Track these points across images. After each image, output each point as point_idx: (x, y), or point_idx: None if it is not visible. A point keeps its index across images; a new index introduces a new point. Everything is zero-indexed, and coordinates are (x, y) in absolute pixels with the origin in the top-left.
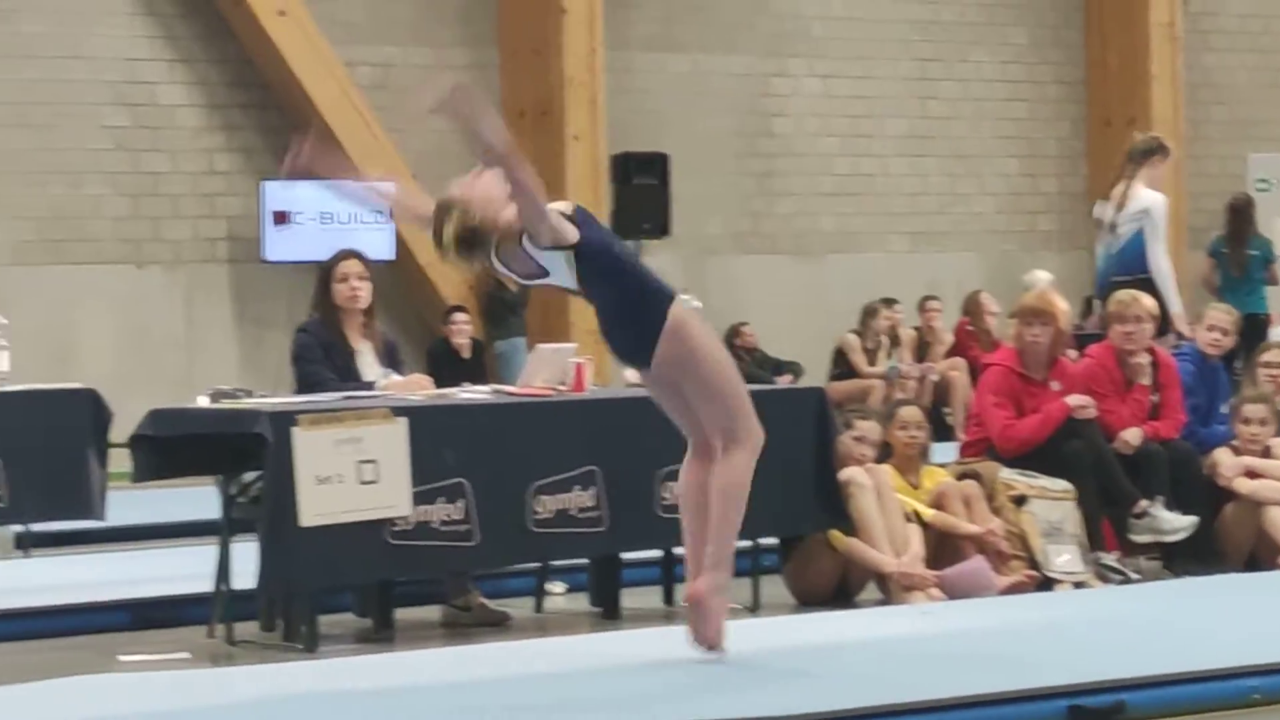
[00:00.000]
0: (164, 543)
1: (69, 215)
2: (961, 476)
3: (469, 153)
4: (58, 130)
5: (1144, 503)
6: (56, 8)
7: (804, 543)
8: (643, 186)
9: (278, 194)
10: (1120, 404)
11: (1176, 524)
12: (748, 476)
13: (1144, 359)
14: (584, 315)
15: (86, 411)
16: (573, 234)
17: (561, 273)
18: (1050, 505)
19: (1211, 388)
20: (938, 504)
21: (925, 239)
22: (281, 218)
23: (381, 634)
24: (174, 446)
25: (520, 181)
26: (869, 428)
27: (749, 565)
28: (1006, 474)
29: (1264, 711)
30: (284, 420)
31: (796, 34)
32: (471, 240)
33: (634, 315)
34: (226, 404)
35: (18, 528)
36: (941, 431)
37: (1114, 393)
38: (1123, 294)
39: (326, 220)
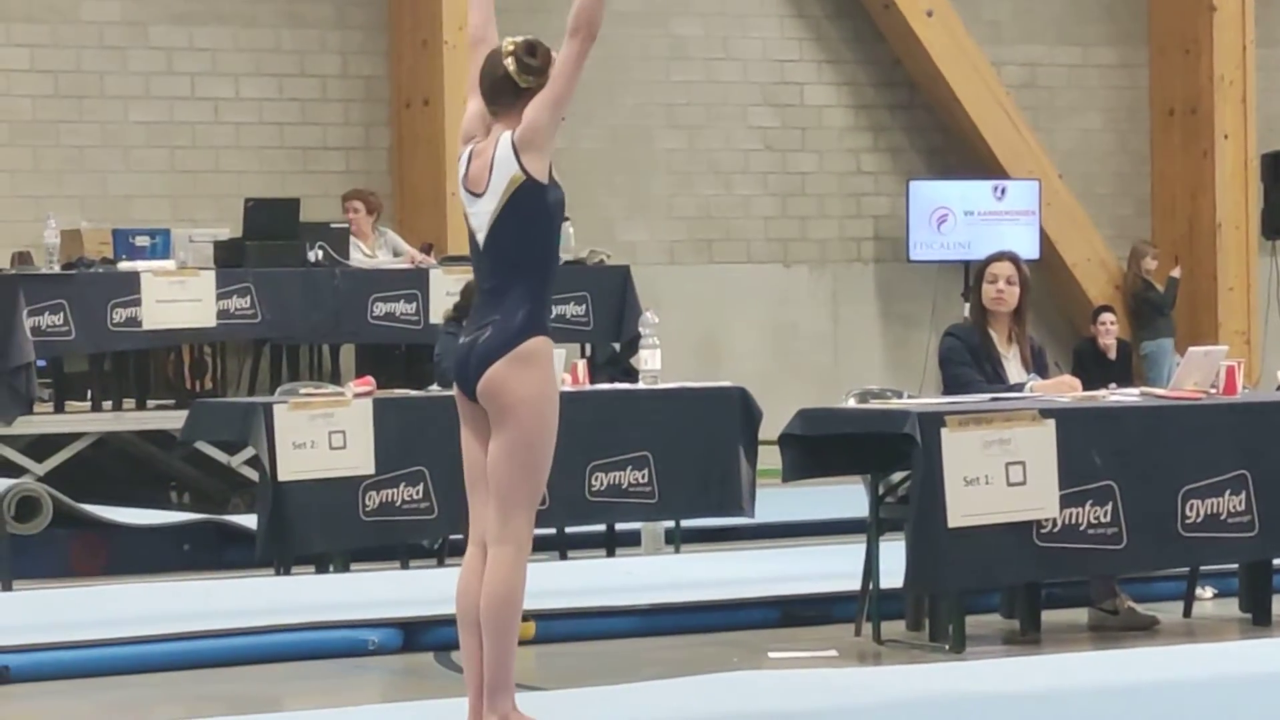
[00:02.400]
0: (811, 540)
1: (718, 215)
2: None
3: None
4: (707, 131)
5: None
6: (708, 10)
7: None
8: None
9: (925, 194)
10: None
11: None
12: (518, 583)
13: None
14: (1233, 315)
15: (736, 410)
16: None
17: (491, 200)
18: None
19: None
20: None
21: None
22: (942, 219)
23: (1028, 636)
24: (822, 446)
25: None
26: None
27: None
28: None
29: None
30: (933, 421)
31: None
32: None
33: (505, 296)
34: (875, 404)
35: (668, 524)
36: None
37: None
38: None
39: (970, 216)
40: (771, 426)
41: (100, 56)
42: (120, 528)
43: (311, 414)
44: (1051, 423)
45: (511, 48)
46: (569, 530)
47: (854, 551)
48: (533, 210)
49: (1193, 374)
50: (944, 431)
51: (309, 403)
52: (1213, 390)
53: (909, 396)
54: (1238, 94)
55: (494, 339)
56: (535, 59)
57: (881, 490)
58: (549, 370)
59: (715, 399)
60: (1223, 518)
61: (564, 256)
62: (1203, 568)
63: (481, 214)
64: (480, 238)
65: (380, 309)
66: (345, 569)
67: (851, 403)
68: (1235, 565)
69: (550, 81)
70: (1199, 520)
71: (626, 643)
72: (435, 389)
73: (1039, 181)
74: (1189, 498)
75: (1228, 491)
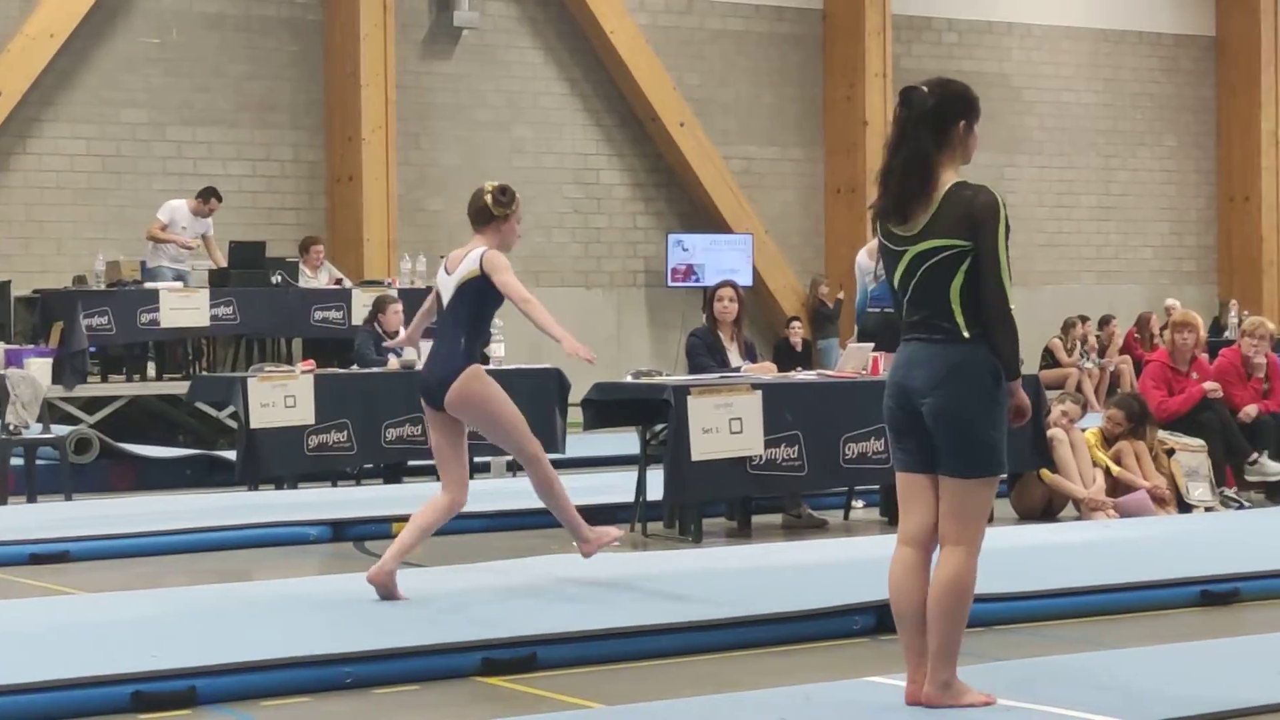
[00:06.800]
0: (603, 469)
1: (543, 255)
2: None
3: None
4: (536, 200)
5: (1255, 455)
6: (537, 120)
7: (1023, 477)
8: None
9: (679, 242)
10: (1244, 389)
11: (1277, 469)
12: (551, 473)
13: (1262, 360)
14: None
15: (554, 383)
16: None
17: (454, 280)
18: (1190, 456)
19: None
20: (1116, 457)
21: (1106, 276)
22: (688, 272)
23: (743, 532)
24: (610, 407)
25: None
26: (1071, 407)
27: None
28: (1161, 434)
29: None
30: (682, 391)
31: (1023, 139)
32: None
33: (456, 339)
34: (644, 380)
35: (509, 457)
36: None
37: (1239, 381)
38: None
39: (707, 256)
40: (577, 393)
41: (133, 146)
42: (145, 459)
43: (273, 384)
44: (759, 393)
45: (490, 189)
46: None
47: (630, 476)
48: (478, 291)
49: (851, 362)
50: (689, 398)
51: (271, 377)
52: (863, 372)
53: (667, 375)
54: None
55: (446, 369)
56: (505, 197)
57: (648, 436)
58: (484, 380)
59: (540, 376)
60: (869, 455)
61: None
62: (856, 487)
63: (447, 287)
64: (446, 300)
65: (319, 315)
66: (294, 487)
67: (629, 379)
68: (877, 486)
69: (505, 284)
70: (853, 457)
71: (480, 536)
72: (355, 368)
73: (752, 236)
74: (848, 442)
75: (873, 437)
